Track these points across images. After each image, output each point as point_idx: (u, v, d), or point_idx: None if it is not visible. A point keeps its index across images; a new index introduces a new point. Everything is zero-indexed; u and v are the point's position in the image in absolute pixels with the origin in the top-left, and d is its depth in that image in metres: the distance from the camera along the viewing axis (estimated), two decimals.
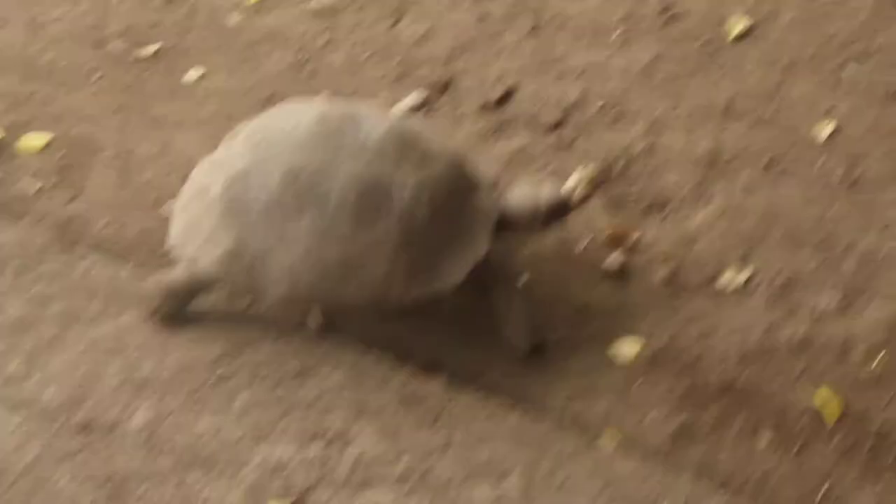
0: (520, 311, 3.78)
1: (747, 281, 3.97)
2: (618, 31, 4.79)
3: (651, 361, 3.77)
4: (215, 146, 3.74)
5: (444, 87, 4.67)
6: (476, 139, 4.47)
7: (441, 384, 3.69)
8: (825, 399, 3.67)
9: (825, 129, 4.37)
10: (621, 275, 4.02)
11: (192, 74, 4.84)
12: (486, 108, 4.58)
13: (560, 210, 3.83)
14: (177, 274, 3.79)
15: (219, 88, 4.77)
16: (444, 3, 4.99)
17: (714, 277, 4.00)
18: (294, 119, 3.63)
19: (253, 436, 3.44)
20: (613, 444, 3.58)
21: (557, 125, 4.48)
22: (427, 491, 3.31)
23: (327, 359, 3.71)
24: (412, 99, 4.63)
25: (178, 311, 3.84)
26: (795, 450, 3.58)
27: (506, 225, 3.78)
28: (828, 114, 4.42)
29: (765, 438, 3.61)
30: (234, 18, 5.07)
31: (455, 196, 3.65)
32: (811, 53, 4.62)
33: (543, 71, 4.68)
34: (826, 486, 3.49)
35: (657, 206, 4.19)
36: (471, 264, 3.64)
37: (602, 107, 4.53)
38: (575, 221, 4.08)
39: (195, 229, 3.66)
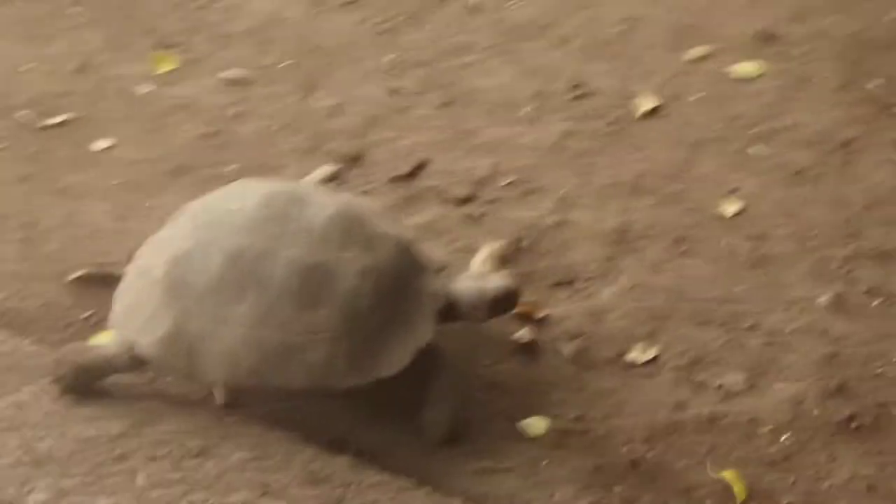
0: (449, 400, 3.72)
1: (654, 358, 3.99)
2: (528, 107, 4.83)
3: (559, 439, 3.77)
4: (123, 217, 3.72)
5: (355, 160, 4.68)
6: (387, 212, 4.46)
7: (346, 463, 3.66)
8: (731, 480, 3.69)
9: (731, 208, 4.42)
10: (530, 351, 4.02)
11: (101, 144, 4.80)
12: (396, 181, 4.59)
13: (507, 301, 3.78)
14: (107, 350, 3.72)
15: (127, 158, 4.73)
16: (355, 76, 5.01)
17: (622, 354, 4.02)
18: (240, 200, 3.59)
19: None
20: None
21: (467, 199, 4.50)
22: None
23: (230, 436, 3.65)
24: (323, 171, 4.63)
25: (88, 385, 3.76)
26: None
27: (451, 313, 3.74)
28: (734, 192, 4.48)
29: None
30: (144, 88, 5.05)
31: (400, 282, 3.61)
32: (718, 133, 4.69)
33: (454, 145, 4.70)
34: None
35: (565, 282, 4.21)
36: (414, 352, 3.59)
37: (512, 182, 4.56)
38: None
39: (136, 310, 3.62)
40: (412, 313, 3.63)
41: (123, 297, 3.71)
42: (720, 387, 3.92)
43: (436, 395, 3.72)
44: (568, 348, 3.99)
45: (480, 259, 4.23)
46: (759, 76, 4.91)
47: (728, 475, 3.69)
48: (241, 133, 4.82)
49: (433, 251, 3.90)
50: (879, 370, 3.95)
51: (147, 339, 3.57)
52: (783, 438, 3.80)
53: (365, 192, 4.54)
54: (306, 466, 3.57)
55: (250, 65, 5.07)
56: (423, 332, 3.63)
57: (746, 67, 4.94)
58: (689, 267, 4.26)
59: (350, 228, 3.56)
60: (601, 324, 4.09)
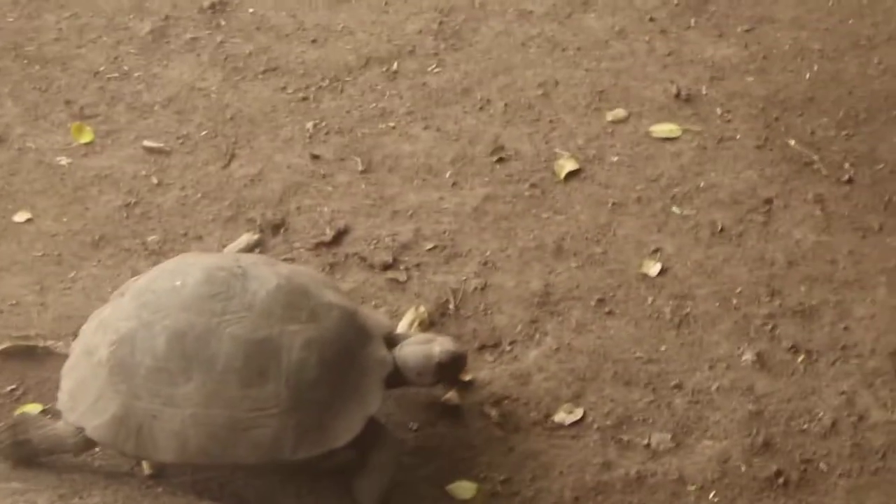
0: (386, 470, 3.69)
1: (581, 419, 3.99)
2: (449, 172, 4.83)
3: (488, 502, 3.75)
4: (45, 289, 3.67)
5: (276, 228, 4.65)
6: None
7: None
8: None
9: (654, 268, 4.44)
10: (456, 414, 4.00)
11: (21, 216, 4.73)
12: (319, 248, 4.57)
13: (453, 365, 3.76)
14: (59, 430, 3.67)
15: (48, 230, 4.67)
16: (275, 144, 4.99)
17: (548, 416, 4.01)
18: (181, 276, 3.57)
19: None
20: None
21: (391, 265, 4.48)
22: None
23: None
24: (245, 240, 4.60)
25: (31, 458, 3.73)
26: None
27: (398, 378, 3.73)
28: (655, 253, 4.50)
29: None
30: (64, 160, 4.99)
31: (345, 352, 3.59)
32: (638, 194, 4.72)
33: (376, 211, 4.69)
34: None
35: (490, 346, 4.21)
36: (363, 422, 3.58)
37: (434, 247, 4.55)
38: None
39: (82, 392, 3.58)
40: (360, 382, 3.61)
41: (69, 378, 3.68)
42: (647, 446, 3.92)
43: (373, 463, 3.69)
44: (494, 411, 3.98)
45: (406, 323, 4.22)
46: (679, 137, 4.94)
47: None
48: (162, 203, 4.78)
49: (378, 316, 3.89)
50: (804, 426, 3.97)
51: (94, 422, 3.54)
52: (711, 496, 3.80)
53: (287, 260, 4.51)
54: None
55: (170, 134, 5.04)
56: (372, 400, 3.62)
57: (666, 128, 4.98)
58: (612, 328, 4.27)
59: (293, 301, 3.55)
60: (527, 386, 4.08)
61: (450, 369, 3.77)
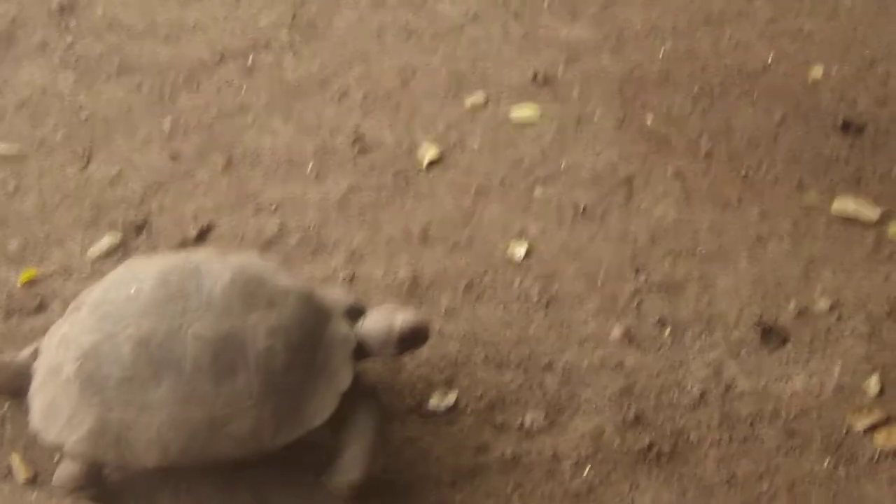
0: (364, 446, 3.67)
1: (455, 404, 4.00)
2: (311, 165, 4.81)
3: (367, 490, 3.74)
4: None
5: (139, 228, 4.59)
6: None
7: None
8: None
9: (519, 251, 4.47)
10: None
11: None
12: (183, 246, 4.52)
13: (415, 336, 3.75)
14: (69, 467, 3.65)
15: None
16: (134, 143, 4.92)
17: (422, 402, 4.01)
18: (134, 283, 3.54)
19: None
20: None
21: None
22: None
23: None
24: (107, 241, 4.53)
25: (105, 491, 3.72)
26: None
27: (363, 351, 3.73)
28: (521, 235, 4.53)
29: None
30: None
31: (309, 333, 3.60)
32: (501, 178, 4.74)
33: (239, 207, 4.66)
34: None
35: None
36: (337, 399, 3.59)
37: (301, 239, 4.53)
38: None
39: (54, 412, 3.55)
40: (328, 361, 3.62)
41: (39, 399, 3.64)
42: (521, 426, 3.95)
43: (358, 429, 3.68)
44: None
45: None
46: (538, 119, 4.98)
47: None
48: (21, 208, 4.69)
49: (335, 293, 3.88)
50: (674, 398, 4.03)
51: (73, 438, 3.51)
52: (586, 472, 3.84)
53: None
54: None
55: (24, 138, 4.95)
56: (343, 376, 3.62)
57: (524, 111, 5.01)
58: (482, 312, 4.29)
59: (249, 292, 3.54)
60: (399, 374, 4.09)
61: (411, 340, 3.75)
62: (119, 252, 4.51)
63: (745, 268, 4.41)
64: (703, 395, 4.02)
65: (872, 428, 3.95)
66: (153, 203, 4.70)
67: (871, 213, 4.60)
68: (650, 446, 3.90)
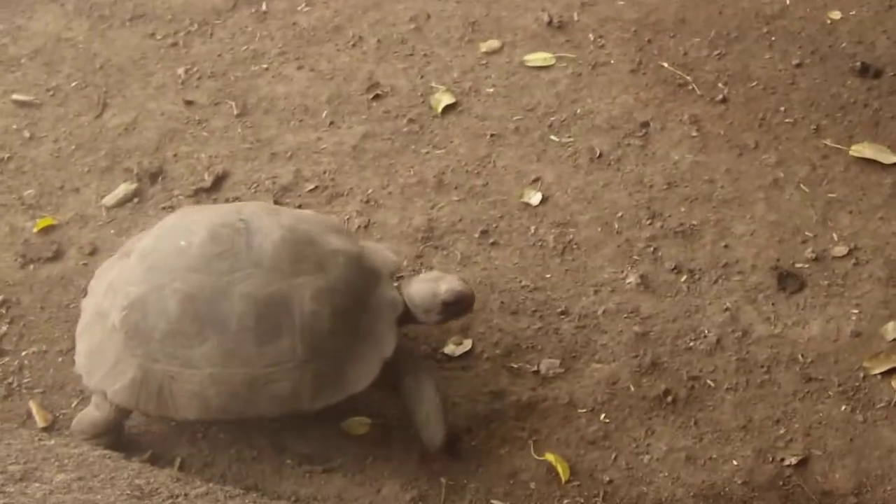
0: (430, 405, 3.69)
1: (470, 350, 4.01)
2: (325, 112, 4.80)
3: (382, 436, 3.76)
4: None
5: (154, 177, 4.59)
6: None
7: (171, 476, 3.61)
8: (554, 461, 3.72)
9: (534, 198, 4.45)
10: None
11: None
12: (198, 194, 4.52)
13: (458, 304, 3.72)
14: (91, 414, 3.73)
15: None
16: (148, 91, 4.91)
17: (437, 349, 4.03)
18: (185, 236, 3.54)
19: None
20: None
21: None
22: None
23: (52, 458, 3.57)
24: (122, 189, 4.54)
25: (119, 439, 3.79)
26: None
27: (407, 316, 3.72)
28: (536, 182, 4.51)
29: None
30: None
31: (355, 298, 3.59)
32: (516, 124, 4.72)
33: (254, 154, 4.65)
34: None
35: None
36: (379, 366, 3.59)
37: (315, 188, 4.52)
38: None
39: (99, 357, 3.59)
40: (373, 326, 3.62)
41: (84, 341, 3.68)
42: (536, 373, 3.96)
43: (416, 405, 3.70)
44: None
45: None
46: (553, 65, 4.95)
47: (550, 457, 3.74)
48: (36, 156, 4.70)
49: (384, 254, 3.84)
50: (690, 344, 4.03)
51: (115, 386, 3.56)
52: (601, 418, 3.85)
53: (168, 208, 4.46)
54: (131, 482, 3.51)
55: (39, 87, 4.94)
56: (387, 342, 3.62)
57: (540, 57, 4.98)
58: (497, 258, 4.28)
59: (298, 252, 3.53)
60: None
61: (455, 308, 3.73)
62: (134, 200, 4.52)
63: (761, 213, 4.40)
64: (719, 340, 4.02)
65: (889, 373, 3.95)
66: (168, 150, 4.69)
67: (888, 157, 4.57)
68: (666, 392, 3.90)
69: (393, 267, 3.79)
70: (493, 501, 3.65)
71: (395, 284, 3.74)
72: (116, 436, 3.79)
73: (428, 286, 3.72)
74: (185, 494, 3.51)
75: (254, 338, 3.47)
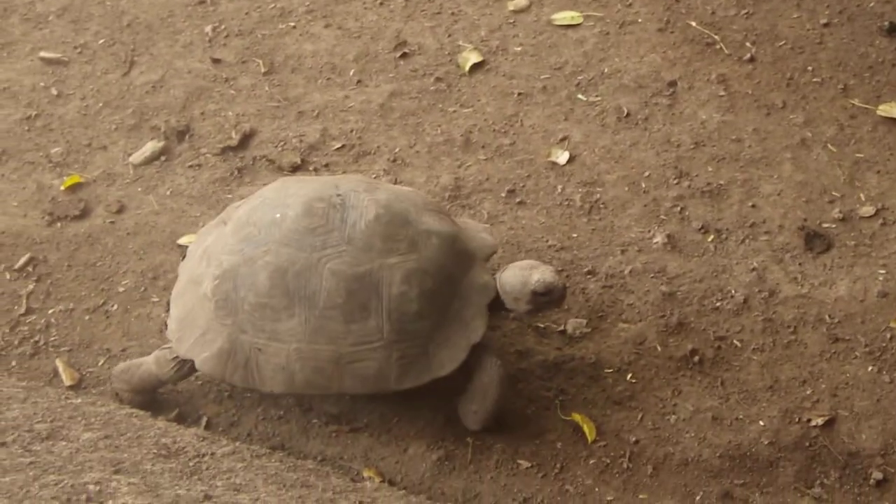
0: (492, 395, 3.67)
1: None
2: (353, 70, 4.80)
3: (408, 397, 3.77)
4: None
5: (181, 135, 4.60)
6: (219, 184, 4.42)
7: (196, 435, 3.63)
8: (580, 421, 3.74)
9: (561, 157, 4.45)
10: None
11: None
12: (225, 152, 4.53)
13: (549, 297, 3.66)
14: (148, 369, 3.78)
15: None
16: (175, 50, 4.92)
17: None
18: (281, 208, 3.55)
19: (4, 502, 3.30)
20: (377, 481, 3.56)
21: (299, 166, 4.46)
22: None
23: (78, 417, 3.59)
24: (150, 147, 4.55)
25: (154, 398, 3.85)
26: (554, 473, 3.64)
27: (499, 303, 3.70)
28: (563, 141, 4.51)
29: (524, 463, 3.65)
30: None
31: (446, 281, 3.58)
32: (543, 83, 4.71)
33: (281, 113, 4.65)
34: None
35: None
36: (467, 350, 3.58)
37: (342, 146, 4.53)
38: None
39: (190, 324, 3.63)
40: (463, 310, 3.61)
41: (178, 306, 3.71)
42: (563, 332, 3.97)
43: (476, 386, 3.68)
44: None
45: None
46: (581, 23, 4.93)
47: (576, 417, 3.75)
48: (63, 114, 4.71)
49: (482, 236, 3.80)
50: (717, 304, 4.03)
51: (203, 355, 3.59)
52: (628, 378, 3.86)
53: (195, 166, 4.48)
54: (158, 441, 3.53)
55: (67, 44, 4.95)
56: (476, 327, 3.61)
57: (567, 15, 4.96)
58: (524, 217, 4.29)
59: (392, 232, 3.52)
60: None
61: (544, 299, 3.67)
62: (161, 158, 4.53)
63: (789, 172, 4.39)
64: (746, 300, 4.02)
65: None
66: (195, 109, 4.70)
67: None
68: (693, 352, 3.90)
69: (489, 251, 3.75)
70: (519, 461, 3.67)
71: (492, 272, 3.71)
72: (153, 395, 3.82)
73: (520, 274, 3.68)
74: (212, 454, 3.53)
75: (341, 315, 3.47)
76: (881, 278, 4.08)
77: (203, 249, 3.68)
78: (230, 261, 3.53)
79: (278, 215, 3.53)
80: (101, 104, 4.75)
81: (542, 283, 3.64)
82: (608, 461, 3.68)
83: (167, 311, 3.85)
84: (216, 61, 4.87)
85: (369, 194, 3.58)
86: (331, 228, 3.49)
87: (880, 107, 4.58)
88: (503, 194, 4.35)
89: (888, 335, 3.93)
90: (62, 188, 4.44)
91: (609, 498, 3.58)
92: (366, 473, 3.64)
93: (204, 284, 3.59)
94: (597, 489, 3.60)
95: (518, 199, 4.34)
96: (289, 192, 3.61)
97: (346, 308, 3.46)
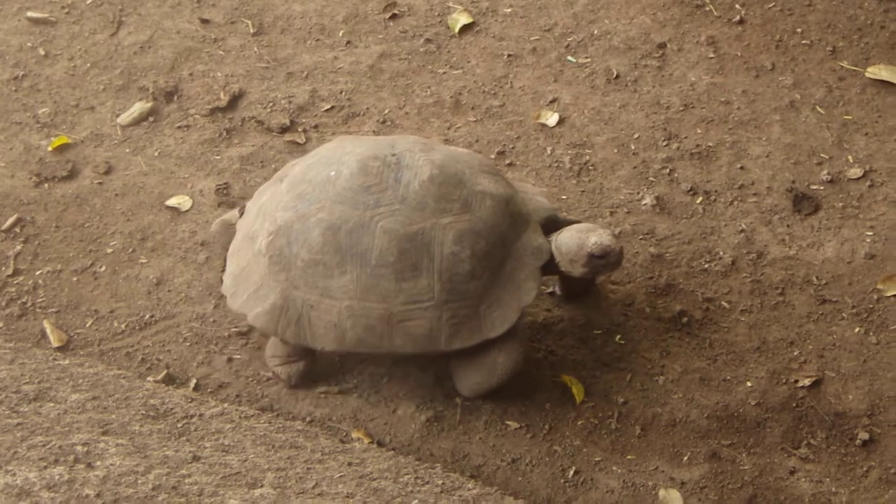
0: (499, 375, 3.62)
1: None
2: (342, 31, 4.79)
3: (396, 360, 3.78)
4: None
5: (170, 95, 4.59)
6: (207, 145, 4.41)
7: (185, 396, 3.63)
8: (569, 383, 3.75)
9: (551, 119, 4.45)
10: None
11: None
12: (214, 113, 4.52)
13: (606, 259, 3.61)
14: (286, 370, 3.78)
15: None
16: (163, 10, 4.90)
17: None
18: (335, 166, 3.54)
19: None
20: (366, 442, 3.57)
21: (288, 128, 4.45)
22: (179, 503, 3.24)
23: (66, 378, 3.59)
24: (138, 108, 4.54)
25: (307, 370, 3.80)
26: (543, 434, 3.65)
27: (551, 265, 3.67)
28: (553, 103, 4.51)
29: (513, 424, 3.66)
30: None
31: (499, 243, 3.56)
32: (533, 45, 4.71)
33: (270, 74, 4.64)
34: (573, 467, 3.56)
35: None
36: (518, 313, 3.57)
37: (332, 107, 4.52)
38: None
39: (244, 280, 3.64)
40: (515, 272, 3.59)
41: (234, 262, 3.72)
42: (553, 293, 3.97)
43: (491, 362, 3.62)
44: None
45: None
46: None
47: (566, 378, 3.76)
48: (51, 74, 4.69)
49: (538, 200, 3.74)
50: (706, 266, 4.04)
51: (256, 310, 3.60)
52: (617, 339, 3.87)
53: (183, 127, 4.47)
54: (146, 402, 3.53)
55: (54, 4, 4.93)
56: (528, 289, 3.59)
57: None
58: (514, 179, 4.28)
59: (445, 192, 3.51)
60: None
61: (601, 262, 3.63)
62: (150, 118, 4.52)
63: (777, 134, 4.39)
64: (734, 262, 4.03)
65: None
66: (184, 69, 4.69)
67: None
68: (681, 314, 3.91)
69: (545, 213, 3.71)
70: (508, 422, 3.68)
71: (551, 231, 3.68)
72: (312, 362, 3.80)
73: (577, 236, 3.64)
74: (200, 415, 3.54)
75: (392, 274, 3.47)
76: (868, 240, 4.10)
77: (259, 206, 3.68)
78: (284, 217, 3.54)
79: (333, 173, 3.53)
80: (88, 65, 4.73)
81: (600, 246, 3.60)
82: (596, 422, 3.69)
83: (222, 269, 3.86)
84: (205, 22, 4.86)
85: (425, 154, 3.57)
86: (384, 187, 3.49)
87: (869, 69, 4.59)
88: (493, 156, 4.35)
89: (875, 296, 3.95)
90: (50, 149, 4.43)
91: (597, 458, 3.60)
92: (355, 434, 3.64)
93: (258, 240, 3.60)
94: (585, 449, 3.61)
95: (508, 161, 4.34)
96: (345, 150, 3.61)
97: (397, 267, 3.46)
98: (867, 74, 4.57)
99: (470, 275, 3.50)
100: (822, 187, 4.24)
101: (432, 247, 3.47)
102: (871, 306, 3.94)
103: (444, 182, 3.51)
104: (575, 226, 3.70)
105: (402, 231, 3.45)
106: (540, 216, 3.69)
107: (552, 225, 3.71)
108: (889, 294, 3.95)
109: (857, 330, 3.88)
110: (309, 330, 3.54)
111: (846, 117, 4.44)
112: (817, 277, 4.01)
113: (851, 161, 4.31)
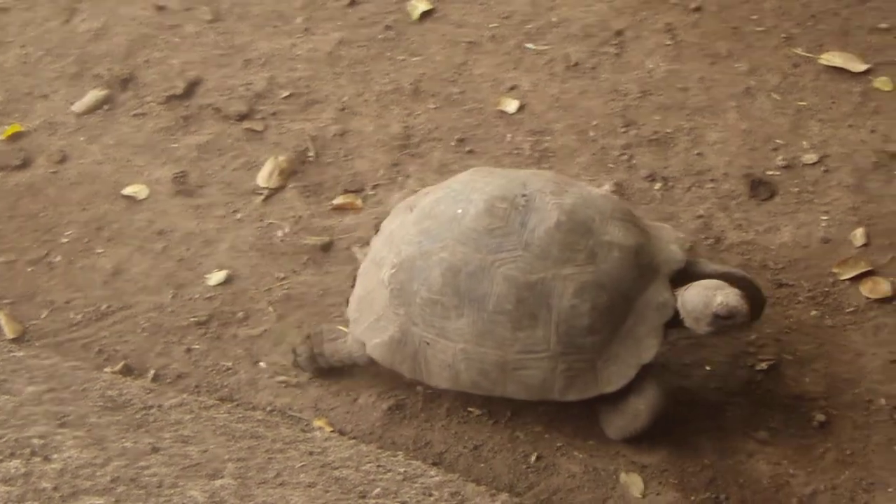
0: (642, 420, 3.55)
1: None
2: (300, 18, 4.78)
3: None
4: None
5: (125, 83, 4.57)
6: (163, 133, 4.39)
7: (143, 387, 3.62)
8: None
9: (511, 106, 4.46)
10: (322, 259, 4.02)
11: None
12: (170, 101, 4.50)
13: (731, 321, 3.48)
14: (347, 343, 3.71)
15: None
16: None
17: None
18: (463, 203, 3.47)
19: None
20: (327, 431, 3.57)
21: (246, 115, 4.44)
22: (138, 496, 3.22)
23: (22, 370, 3.57)
24: (92, 96, 4.51)
25: (324, 368, 3.78)
26: (505, 419, 3.65)
27: (676, 320, 3.55)
28: (512, 90, 4.52)
29: (475, 411, 3.67)
30: None
31: (622, 297, 3.47)
32: (492, 32, 4.72)
33: (227, 61, 4.63)
34: (535, 453, 3.57)
35: (353, 191, 4.21)
36: (636, 369, 3.48)
37: (290, 94, 4.51)
38: (273, 210, 4.07)
39: (367, 306, 3.60)
40: (636, 328, 3.50)
41: (360, 285, 3.68)
42: None
43: (631, 407, 3.56)
44: (361, 254, 3.98)
45: (266, 173, 4.20)
46: None
47: None
48: (3, 62, 4.67)
49: (670, 249, 3.61)
50: None
51: (375, 341, 3.56)
52: None
53: (139, 115, 4.45)
54: (104, 393, 3.51)
55: None
56: (648, 347, 3.49)
57: None
58: (474, 166, 4.28)
59: (571, 241, 3.42)
60: None
61: (726, 323, 3.51)
62: (105, 107, 4.49)
63: (734, 121, 4.41)
64: (692, 247, 4.04)
65: (858, 278, 3.98)
66: (139, 57, 4.66)
67: (858, 65, 4.58)
68: None
69: (675, 265, 3.59)
70: (470, 409, 3.68)
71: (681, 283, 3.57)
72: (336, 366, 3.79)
73: (703, 294, 3.52)
74: (159, 406, 3.52)
75: (509, 322, 3.41)
76: (824, 224, 4.12)
77: (389, 233, 3.64)
78: (408, 251, 3.50)
79: (460, 211, 3.47)
80: (41, 52, 4.70)
81: (725, 307, 3.48)
82: (558, 408, 3.70)
83: (352, 284, 3.79)
84: (160, 8, 4.84)
85: (555, 197, 3.48)
86: (509, 231, 3.42)
87: (823, 55, 4.62)
88: (453, 143, 4.35)
89: (830, 280, 3.97)
90: (2, 137, 4.40)
91: (559, 444, 3.60)
92: (316, 423, 3.63)
93: (383, 270, 3.56)
94: (546, 435, 3.62)
95: (468, 148, 4.34)
96: (476, 185, 3.53)
97: (514, 315, 3.40)
98: (821, 61, 4.60)
99: (588, 329, 3.43)
100: (778, 173, 4.27)
101: (552, 298, 3.40)
102: (826, 290, 3.96)
103: (571, 230, 3.43)
104: (702, 282, 3.57)
105: (521, 279, 3.39)
106: (670, 268, 3.58)
107: (683, 274, 3.60)
108: (844, 278, 3.98)
109: (813, 313, 3.91)
110: (424, 367, 3.52)
111: (801, 103, 4.47)
112: (774, 262, 4.03)
113: (806, 147, 4.34)
